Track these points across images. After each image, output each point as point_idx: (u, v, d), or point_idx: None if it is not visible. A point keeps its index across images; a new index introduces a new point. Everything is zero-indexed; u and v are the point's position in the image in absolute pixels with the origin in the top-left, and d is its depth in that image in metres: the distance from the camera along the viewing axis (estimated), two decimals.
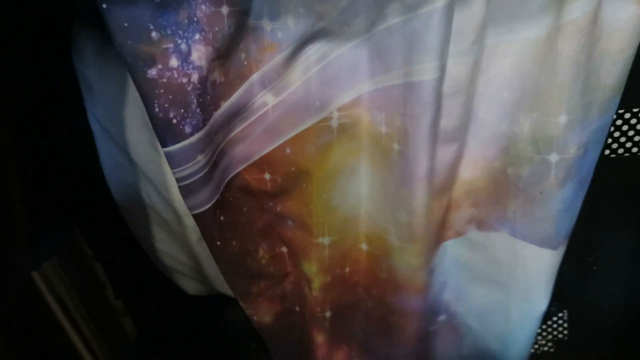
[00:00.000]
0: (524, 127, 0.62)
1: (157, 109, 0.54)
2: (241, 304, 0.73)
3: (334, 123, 0.62)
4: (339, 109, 0.61)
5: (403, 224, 0.65)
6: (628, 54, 0.58)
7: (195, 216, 0.62)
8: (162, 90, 0.53)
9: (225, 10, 0.51)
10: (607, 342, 0.98)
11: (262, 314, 0.75)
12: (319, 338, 0.78)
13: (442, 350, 0.85)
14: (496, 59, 0.60)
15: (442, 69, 0.57)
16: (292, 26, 0.55)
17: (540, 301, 0.74)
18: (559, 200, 0.64)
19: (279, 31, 0.56)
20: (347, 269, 0.73)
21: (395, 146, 0.61)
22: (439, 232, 0.71)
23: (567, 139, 0.61)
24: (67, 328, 0.81)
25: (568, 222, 0.68)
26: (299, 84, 0.58)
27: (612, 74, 0.59)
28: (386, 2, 0.56)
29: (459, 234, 0.73)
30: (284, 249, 0.71)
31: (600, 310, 0.94)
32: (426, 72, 0.56)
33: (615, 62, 0.58)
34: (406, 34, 0.56)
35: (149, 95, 0.53)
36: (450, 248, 0.74)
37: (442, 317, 0.81)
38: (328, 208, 0.67)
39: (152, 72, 0.51)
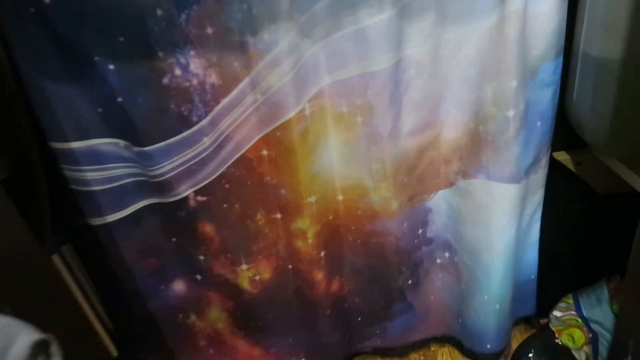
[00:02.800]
0: (487, 93, 0.82)
1: (172, 105, 0.75)
2: (244, 266, 0.93)
3: (307, 112, 0.80)
4: (309, 101, 0.79)
5: (376, 170, 0.86)
6: (548, 32, 0.77)
7: (203, 187, 0.83)
8: (173, 92, 0.74)
9: (209, 30, 0.70)
10: None
11: (262, 271, 0.95)
12: (318, 275, 0.96)
13: (448, 284, 1.05)
14: (462, 45, 0.80)
15: (397, 58, 0.76)
16: (267, 39, 0.72)
17: (511, 228, 0.92)
18: (517, 145, 0.85)
19: (259, 43, 0.73)
20: (331, 217, 0.92)
21: (359, 119, 0.82)
22: (425, 179, 0.92)
23: (518, 98, 0.81)
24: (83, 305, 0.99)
25: (525, 161, 0.88)
26: (278, 86, 0.76)
27: (538, 47, 0.79)
28: (341, 16, 0.72)
29: (451, 183, 0.94)
30: (278, 215, 0.90)
31: None
32: (381, 63, 0.76)
33: (539, 39, 0.78)
34: (359, 38, 0.75)
35: (164, 96, 0.73)
36: (446, 196, 0.96)
37: (447, 254, 1.02)
38: (311, 175, 0.86)
39: (164, 80, 0.73)
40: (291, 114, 0.79)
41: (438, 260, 1.03)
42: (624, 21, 0.67)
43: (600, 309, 0.96)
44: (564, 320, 1.00)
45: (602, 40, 0.73)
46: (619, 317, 0.63)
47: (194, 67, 0.73)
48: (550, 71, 0.81)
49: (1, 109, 0.70)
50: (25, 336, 0.48)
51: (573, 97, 0.83)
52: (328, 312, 1.02)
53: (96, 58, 0.71)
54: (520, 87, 0.79)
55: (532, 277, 1.07)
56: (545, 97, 0.83)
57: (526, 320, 1.17)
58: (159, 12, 0.68)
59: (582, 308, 1.00)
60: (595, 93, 0.78)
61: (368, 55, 0.75)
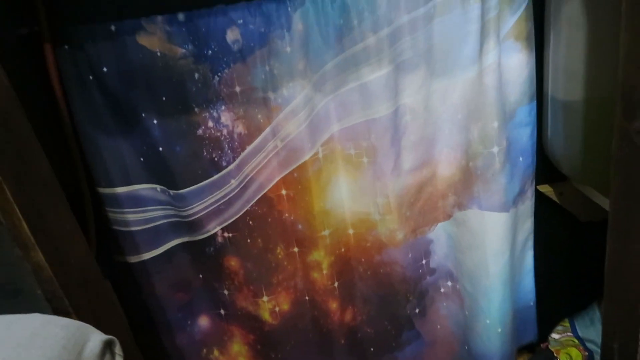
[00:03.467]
0: (474, 133, 0.96)
1: (205, 152, 0.88)
2: (265, 298, 1.02)
3: (320, 155, 0.93)
4: (322, 145, 0.92)
5: (381, 204, 0.98)
6: (521, 81, 0.92)
7: (230, 224, 0.94)
8: (206, 141, 0.87)
9: (238, 89, 0.84)
10: None
11: (282, 302, 1.04)
12: (333, 305, 1.05)
13: (453, 311, 1.14)
14: (448, 94, 0.94)
15: (395, 106, 0.90)
16: (286, 94, 0.86)
17: (504, 252, 1.02)
18: (503, 177, 0.97)
19: (279, 98, 0.87)
20: (343, 249, 1.03)
21: (365, 159, 0.95)
22: (425, 212, 1.03)
23: (500, 136, 0.94)
24: None
25: (512, 191, 1.00)
26: (295, 134, 0.90)
27: (513, 93, 0.94)
28: (347, 73, 0.86)
29: (448, 216, 1.05)
30: (296, 249, 1.00)
31: None
32: (382, 111, 0.90)
33: (514, 86, 0.93)
34: (363, 91, 0.89)
35: (198, 144, 0.86)
36: (445, 228, 1.07)
37: (449, 282, 1.12)
38: (324, 210, 0.97)
39: (199, 131, 0.86)
40: (307, 157, 0.92)
41: (442, 289, 1.12)
42: (582, 67, 0.82)
43: (594, 329, 1.04)
44: (562, 341, 1.08)
45: (565, 85, 0.87)
46: (603, 326, 0.72)
47: (224, 120, 0.86)
48: (526, 113, 0.95)
49: (63, 158, 0.82)
50: (97, 335, 0.58)
51: (548, 135, 0.97)
52: (343, 341, 1.10)
53: (143, 114, 0.84)
54: (501, 127, 0.92)
55: (531, 303, 1.15)
56: (525, 135, 0.97)
57: (529, 349, 1.24)
58: (197, 75, 0.82)
59: (578, 329, 1.08)
60: (566, 131, 0.92)
61: (370, 105, 0.89)
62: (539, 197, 1.05)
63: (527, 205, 1.04)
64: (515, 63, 0.90)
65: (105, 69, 0.80)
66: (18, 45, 0.79)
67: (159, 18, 0.79)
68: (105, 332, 0.60)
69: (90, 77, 0.81)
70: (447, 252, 1.08)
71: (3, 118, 0.58)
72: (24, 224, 0.56)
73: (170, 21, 0.79)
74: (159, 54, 0.80)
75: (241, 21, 0.80)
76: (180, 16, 0.79)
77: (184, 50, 0.81)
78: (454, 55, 0.89)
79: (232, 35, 0.81)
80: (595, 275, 1.10)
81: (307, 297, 1.06)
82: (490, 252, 1.01)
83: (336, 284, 1.03)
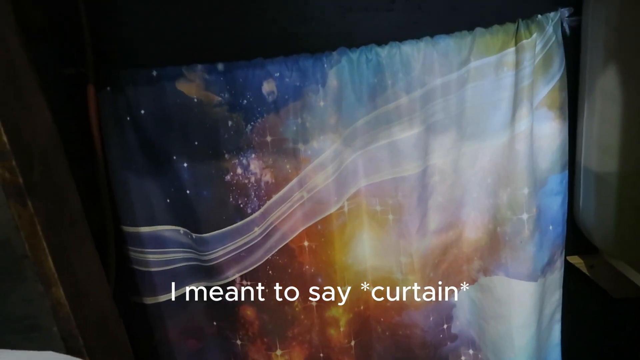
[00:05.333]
0: (503, 198, 0.94)
1: (231, 198, 0.88)
2: (279, 352, 0.99)
3: (345, 209, 0.92)
4: (347, 199, 0.91)
5: (404, 263, 0.95)
6: (553, 150, 0.91)
7: (249, 272, 0.93)
8: (233, 188, 0.87)
9: (269, 139, 0.85)
10: None
11: (295, 357, 1.01)
12: None
13: None
14: (479, 157, 0.94)
15: (424, 166, 0.90)
16: (316, 147, 0.87)
17: (531, 324, 0.98)
18: (532, 245, 0.94)
19: (309, 150, 0.88)
20: (362, 307, 1.00)
21: (390, 217, 0.93)
22: (449, 275, 1.00)
23: (530, 203, 0.92)
24: None
25: (541, 261, 0.97)
26: (322, 186, 0.89)
27: (545, 161, 0.92)
28: (378, 130, 0.87)
29: (473, 280, 1.02)
30: (314, 303, 0.98)
31: None
32: (410, 170, 0.90)
33: (546, 154, 0.92)
34: (392, 149, 0.89)
35: (225, 190, 0.87)
36: (469, 293, 1.03)
37: (471, 351, 1.07)
38: (345, 265, 0.95)
39: (227, 177, 0.87)
40: (332, 210, 0.91)
41: (463, 358, 1.07)
42: (616, 139, 0.81)
43: None
44: None
45: (599, 157, 0.86)
46: None
47: (253, 167, 0.87)
48: (557, 182, 0.93)
49: (92, 195, 0.84)
50: None
51: (580, 205, 0.94)
52: None
53: (174, 157, 0.86)
54: (532, 194, 0.90)
55: None
56: (556, 204, 0.94)
57: None
58: (230, 123, 0.84)
59: None
60: (599, 203, 0.90)
61: (399, 163, 0.89)
62: (569, 268, 1.01)
63: (556, 276, 1.00)
64: (547, 131, 0.90)
65: (142, 112, 0.83)
66: (63, 85, 0.82)
67: (199, 67, 0.82)
68: None
69: (128, 118, 0.83)
70: (470, 318, 1.04)
71: (43, 155, 0.60)
72: (50, 261, 0.56)
73: (209, 70, 0.82)
74: (195, 100, 0.82)
75: (278, 74, 0.83)
76: (220, 66, 0.82)
77: (220, 98, 0.83)
78: (486, 120, 0.89)
79: (268, 87, 0.84)
80: (627, 355, 1.05)
81: (321, 354, 1.02)
82: (517, 323, 0.97)
83: (352, 343, 1.00)
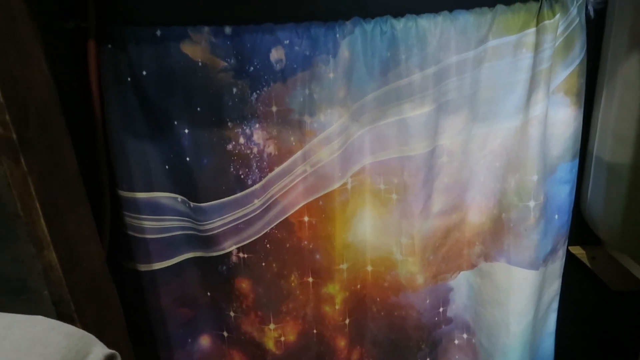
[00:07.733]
0: (510, 184, 0.92)
1: (232, 168, 0.86)
2: (272, 326, 0.98)
3: (349, 186, 0.90)
4: (351, 176, 0.89)
5: (405, 244, 0.94)
6: (566, 137, 0.89)
7: (246, 245, 0.91)
8: (235, 158, 0.85)
9: (274, 109, 0.82)
10: None
11: (288, 332, 1.00)
12: (341, 343, 1.00)
13: None
14: (489, 140, 0.91)
15: (432, 146, 0.87)
16: (323, 120, 0.84)
17: (528, 312, 0.97)
18: (536, 233, 0.93)
19: (315, 123, 0.85)
20: (358, 285, 0.98)
21: (394, 196, 0.91)
22: (449, 258, 0.99)
23: (538, 190, 0.90)
24: None
25: (544, 249, 0.95)
26: (326, 160, 0.87)
27: (556, 149, 0.90)
28: (387, 107, 0.84)
29: (473, 265, 1.01)
30: (310, 279, 0.96)
31: None
32: (418, 149, 0.87)
33: (558, 141, 0.89)
34: (401, 126, 0.86)
35: (226, 160, 0.84)
36: (468, 277, 1.02)
37: (465, 335, 1.07)
38: (345, 243, 0.93)
39: (229, 146, 0.84)
40: (335, 186, 0.88)
41: (456, 341, 1.07)
42: (634, 129, 0.79)
43: None
44: None
45: (613, 147, 0.84)
46: None
47: (256, 138, 0.84)
48: (567, 170, 0.91)
49: (89, 157, 0.81)
50: (99, 348, 0.54)
51: (587, 195, 0.93)
52: None
53: (175, 122, 0.82)
54: (540, 181, 0.88)
55: None
56: (563, 192, 0.93)
57: None
58: (235, 90, 0.81)
59: None
60: (608, 194, 0.88)
61: (407, 141, 0.86)
62: (569, 258, 1.00)
63: (557, 265, 0.99)
64: (562, 118, 0.87)
65: (144, 72, 0.79)
66: (63, 39, 0.78)
67: (206, 29, 0.78)
68: (107, 343, 0.57)
69: (129, 79, 0.80)
70: (467, 303, 1.04)
71: (39, 110, 0.57)
72: (42, 222, 0.54)
73: (216, 33, 0.78)
74: (200, 63, 0.79)
75: (287, 41, 0.79)
76: (227, 29, 0.78)
77: (225, 64, 0.79)
78: (500, 102, 0.86)
79: (276, 55, 0.80)
80: (621, 346, 1.05)
81: (315, 331, 1.01)
82: (514, 310, 0.96)
83: (347, 321, 0.99)
